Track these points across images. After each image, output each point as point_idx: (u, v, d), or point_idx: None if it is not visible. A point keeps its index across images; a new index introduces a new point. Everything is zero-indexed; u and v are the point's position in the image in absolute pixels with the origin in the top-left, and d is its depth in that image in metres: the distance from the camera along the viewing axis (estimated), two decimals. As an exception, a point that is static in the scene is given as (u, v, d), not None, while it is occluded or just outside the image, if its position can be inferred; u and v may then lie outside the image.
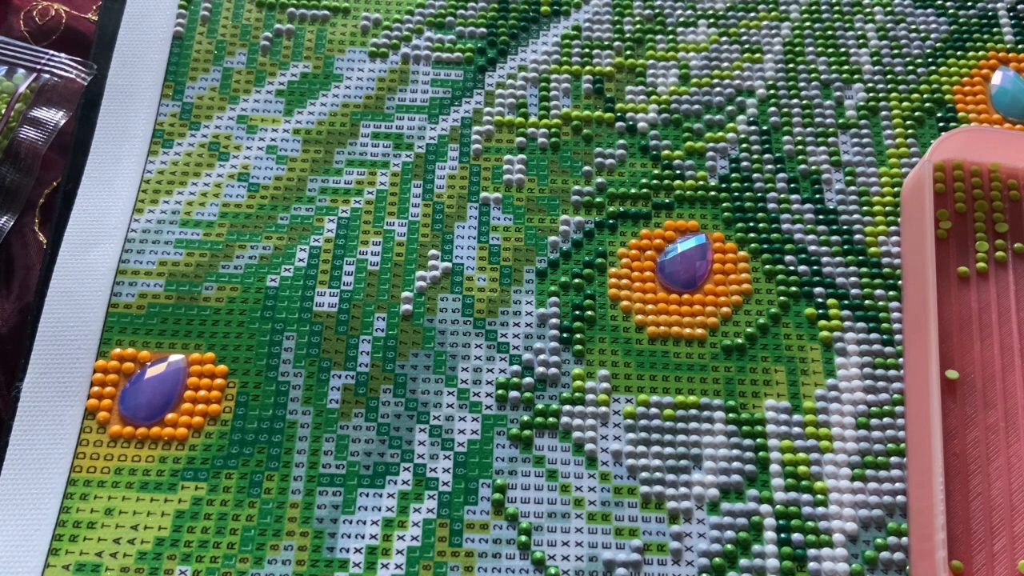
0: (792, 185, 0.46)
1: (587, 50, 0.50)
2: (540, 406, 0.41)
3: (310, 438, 0.40)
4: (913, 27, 0.52)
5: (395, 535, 0.38)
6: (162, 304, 0.42)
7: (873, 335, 0.43)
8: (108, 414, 0.40)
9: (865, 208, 0.46)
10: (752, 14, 0.52)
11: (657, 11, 0.52)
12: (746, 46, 0.51)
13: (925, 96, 0.49)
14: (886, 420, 0.41)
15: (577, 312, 0.43)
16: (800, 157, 0.47)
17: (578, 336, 0.42)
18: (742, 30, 0.51)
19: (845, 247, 0.45)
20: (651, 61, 0.50)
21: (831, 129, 0.48)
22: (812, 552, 0.38)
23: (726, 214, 0.46)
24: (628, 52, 0.50)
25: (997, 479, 0.39)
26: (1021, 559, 0.37)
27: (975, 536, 0.38)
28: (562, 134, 0.48)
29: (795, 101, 0.49)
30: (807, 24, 0.52)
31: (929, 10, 0.52)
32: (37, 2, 0.51)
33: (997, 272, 0.43)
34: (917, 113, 0.49)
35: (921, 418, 0.39)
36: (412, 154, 0.47)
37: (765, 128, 0.48)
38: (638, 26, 0.51)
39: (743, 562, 0.38)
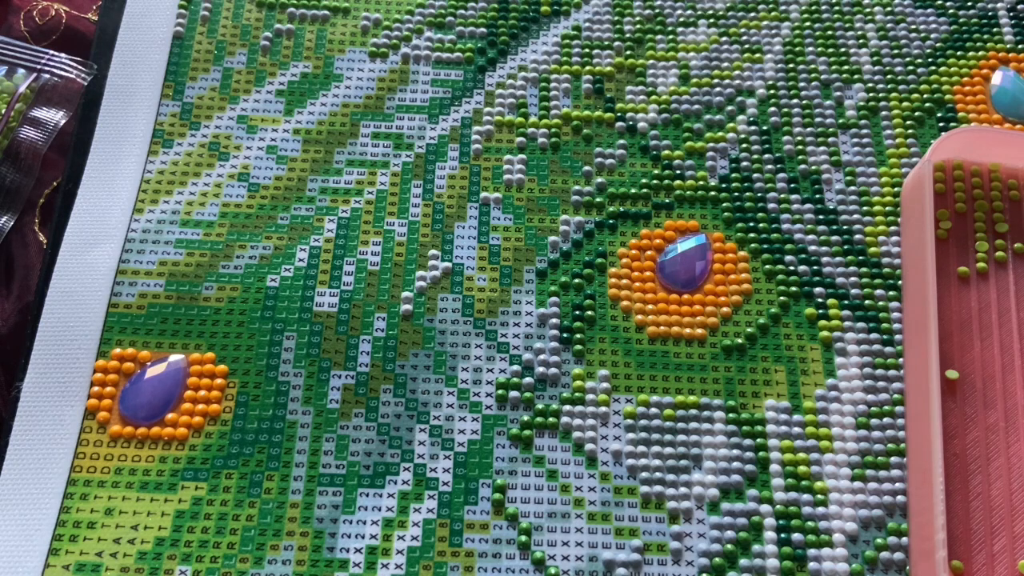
0: (792, 185, 0.46)
1: (587, 50, 0.50)
2: (540, 406, 0.41)
3: (310, 438, 0.40)
4: (913, 27, 0.52)
5: (395, 535, 0.38)
6: (162, 304, 0.42)
7: (873, 335, 0.43)
8: (108, 414, 0.40)
9: (865, 208, 0.46)
10: (752, 14, 0.52)
11: (657, 11, 0.52)
12: (746, 46, 0.51)
13: (925, 96, 0.49)
14: (886, 420, 0.41)
15: (577, 312, 0.43)
16: (800, 157, 0.47)
17: (578, 336, 0.42)
18: (742, 30, 0.51)
19: (845, 247, 0.45)
20: (651, 61, 0.50)
21: (831, 129, 0.48)
22: (812, 552, 0.38)
23: (726, 214, 0.46)
24: (628, 52, 0.50)
25: (997, 479, 0.39)
26: (1021, 559, 0.37)
27: (975, 536, 0.38)
28: (562, 134, 0.48)
29: (795, 101, 0.49)
30: (807, 24, 0.52)
31: (929, 10, 0.52)
32: (37, 2, 0.51)
33: (997, 272, 0.43)
34: (917, 113, 0.49)
35: (921, 418, 0.39)
36: (412, 154, 0.47)
37: (765, 128, 0.48)
38: (638, 26, 0.51)
39: (743, 562, 0.38)
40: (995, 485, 0.39)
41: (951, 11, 0.52)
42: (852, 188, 0.46)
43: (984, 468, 0.39)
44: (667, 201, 0.46)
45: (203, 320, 0.42)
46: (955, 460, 0.39)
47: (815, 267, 0.44)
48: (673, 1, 0.52)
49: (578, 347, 0.42)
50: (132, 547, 0.37)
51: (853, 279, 0.44)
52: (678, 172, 0.47)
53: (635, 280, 0.44)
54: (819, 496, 0.39)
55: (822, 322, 0.43)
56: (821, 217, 0.46)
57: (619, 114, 0.48)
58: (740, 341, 0.42)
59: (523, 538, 0.38)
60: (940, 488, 0.37)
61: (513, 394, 0.41)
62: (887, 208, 0.46)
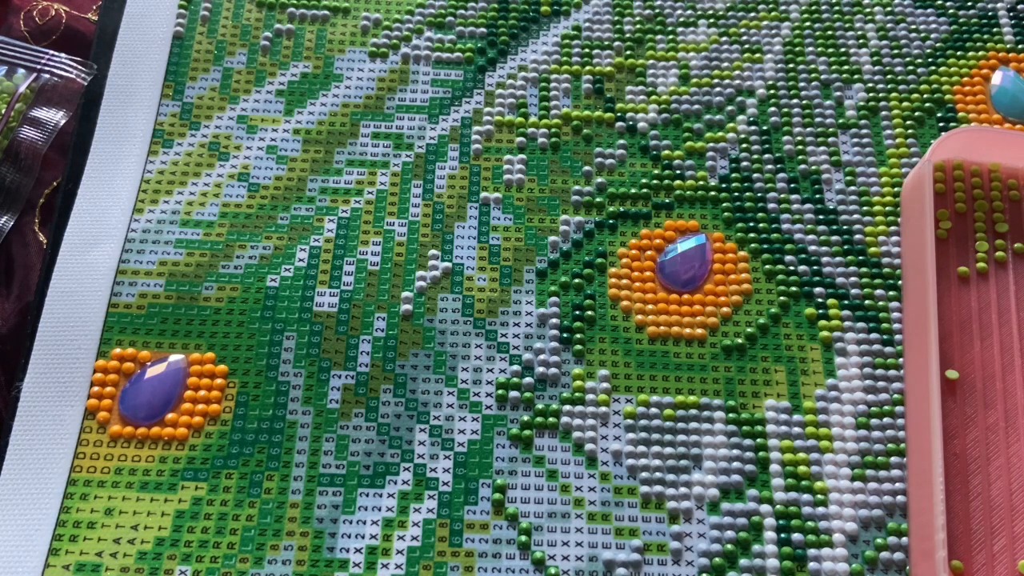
0: (792, 185, 0.46)
1: (587, 50, 0.50)
2: (540, 406, 0.41)
3: (310, 438, 0.40)
4: (913, 27, 0.52)
5: (395, 535, 0.38)
6: (162, 304, 0.42)
7: (873, 335, 0.43)
8: (108, 414, 0.40)
9: (865, 208, 0.46)
10: (752, 14, 0.52)
11: (657, 11, 0.52)
12: (746, 46, 0.51)
13: (925, 96, 0.49)
14: (886, 420, 0.41)
15: (577, 312, 0.43)
16: (800, 157, 0.47)
17: (578, 336, 0.42)
18: (742, 30, 0.51)
19: (845, 247, 0.45)
20: (651, 61, 0.50)
21: (831, 129, 0.48)
22: (812, 552, 0.38)
23: (726, 214, 0.46)
24: (628, 52, 0.50)
25: (997, 479, 0.39)
26: (1021, 559, 0.37)
27: (975, 536, 0.38)
28: (562, 134, 0.48)
29: (795, 101, 0.49)
30: (807, 24, 0.52)
31: (929, 10, 0.52)
32: (37, 2, 0.51)
33: (997, 272, 0.43)
34: (917, 113, 0.49)
35: (921, 418, 0.39)
36: (412, 154, 0.47)
37: (765, 128, 0.48)
38: (638, 26, 0.51)
39: (743, 562, 0.38)
40: (995, 485, 0.39)
41: (951, 11, 0.52)
42: (852, 188, 0.46)
43: (984, 468, 0.39)
44: (667, 201, 0.46)
45: (203, 320, 0.42)
46: (955, 460, 0.39)
47: (815, 267, 0.44)
48: (673, 1, 0.52)
49: (578, 347, 0.42)
50: (132, 547, 0.37)
51: (853, 279, 0.44)
52: (678, 172, 0.47)
53: (635, 280, 0.44)
54: (819, 496, 0.39)
55: (822, 322, 0.43)
56: (821, 217, 0.46)
57: (619, 114, 0.48)
58: (740, 341, 0.42)
59: (523, 538, 0.38)
60: (940, 488, 0.37)
61: (513, 394, 0.41)
62: (887, 208, 0.46)
